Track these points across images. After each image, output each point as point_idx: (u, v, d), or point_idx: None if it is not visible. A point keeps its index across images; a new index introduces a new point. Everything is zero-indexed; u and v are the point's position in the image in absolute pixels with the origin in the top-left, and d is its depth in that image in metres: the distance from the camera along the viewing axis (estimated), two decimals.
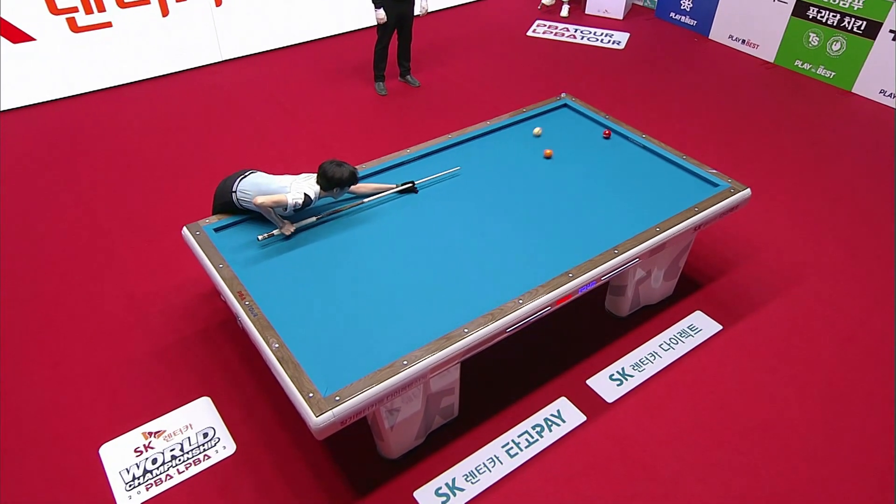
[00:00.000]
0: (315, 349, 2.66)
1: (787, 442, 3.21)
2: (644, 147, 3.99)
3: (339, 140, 5.50)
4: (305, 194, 3.21)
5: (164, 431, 3.21)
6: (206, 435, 3.19)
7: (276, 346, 2.62)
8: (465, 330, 2.72)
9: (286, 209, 3.22)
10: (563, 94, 4.53)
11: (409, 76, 6.32)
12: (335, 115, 5.85)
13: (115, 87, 6.23)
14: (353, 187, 3.46)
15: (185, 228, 3.26)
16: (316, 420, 2.38)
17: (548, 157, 3.83)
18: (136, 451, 3.13)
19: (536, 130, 3.83)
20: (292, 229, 3.28)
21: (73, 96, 6.05)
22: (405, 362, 2.57)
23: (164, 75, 6.43)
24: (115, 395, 3.38)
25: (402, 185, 3.56)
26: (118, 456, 3.10)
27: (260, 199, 3.18)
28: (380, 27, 5.80)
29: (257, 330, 2.70)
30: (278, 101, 6.05)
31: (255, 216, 3.38)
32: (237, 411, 3.29)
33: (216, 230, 3.27)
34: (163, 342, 3.66)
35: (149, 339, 3.68)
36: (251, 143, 5.44)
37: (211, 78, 6.39)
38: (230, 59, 6.74)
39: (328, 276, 3.04)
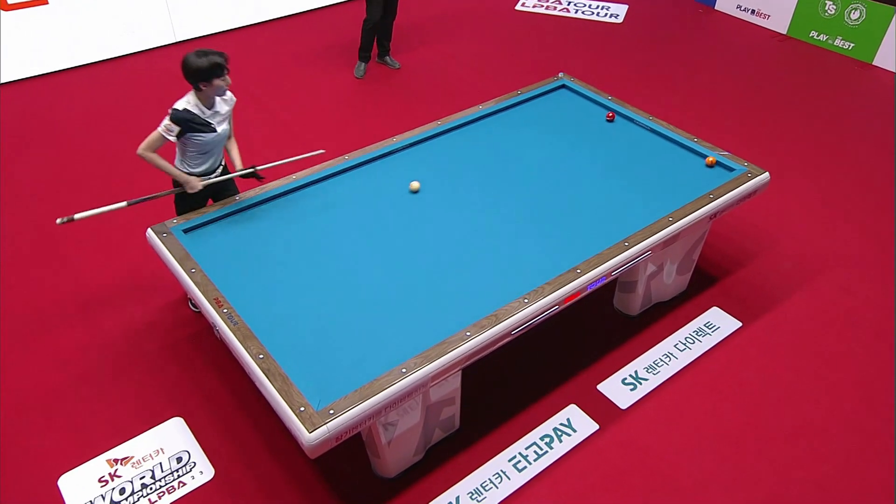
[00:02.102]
0: (304, 359, 2.73)
1: (816, 446, 3.35)
2: (651, 130, 4.11)
3: (310, 128, 5.55)
4: (173, 110, 3.23)
5: (132, 457, 3.24)
6: (179, 459, 3.23)
7: (261, 356, 2.68)
8: (467, 333, 2.80)
9: (169, 141, 3.26)
10: (560, 74, 4.64)
11: (388, 57, 6.39)
12: (305, 101, 5.90)
13: (53, 72, 6.21)
14: (224, 139, 3.47)
15: (149, 230, 3.30)
16: (309, 436, 2.44)
17: (710, 165, 3.79)
18: (100, 480, 3.16)
19: (414, 185, 3.43)
20: (199, 186, 3.36)
21: (4, 84, 6.02)
22: (403, 370, 2.64)
23: (109, 59, 6.42)
24: (73, 419, 3.41)
25: (245, 170, 3.55)
26: (80, 487, 3.13)
27: (139, 151, 3.27)
28: (368, 2, 5.85)
29: (238, 340, 2.75)
30: (241, 87, 6.08)
31: (231, 214, 3.43)
32: (214, 432, 3.34)
33: (185, 231, 3.32)
34: (125, 358, 3.69)
35: (109, 356, 3.71)
36: None
37: (164, 62, 6.40)
38: (185, 41, 6.74)
39: (314, 278, 3.11)
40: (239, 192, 3.62)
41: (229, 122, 3.51)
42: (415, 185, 3.31)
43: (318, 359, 2.74)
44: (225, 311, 2.87)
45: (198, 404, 3.46)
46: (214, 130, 3.37)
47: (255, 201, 3.50)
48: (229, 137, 3.56)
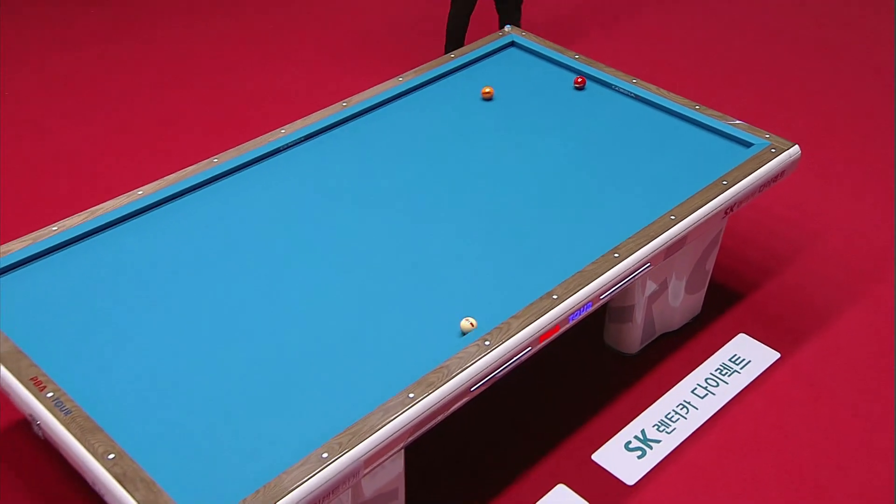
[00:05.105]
0: (177, 453, 2.68)
1: None
2: (637, 97, 4.24)
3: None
4: None
5: None
6: None
7: (111, 456, 2.62)
8: (410, 395, 2.81)
9: None
10: (506, 27, 4.76)
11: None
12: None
13: None
14: None
15: None
16: None
17: (488, 97, 4.08)
18: None
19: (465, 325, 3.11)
20: None
21: None
22: (324, 455, 2.63)
23: None
24: None
25: None
26: None
27: None
28: None
29: (75, 436, 2.68)
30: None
31: (51, 251, 3.37)
32: None
33: None
34: None
35: None
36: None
37: None
38: None
39: (185, 332, 3.08)
40: None
41: None
42: (466, 324, 3.09)
43: (198, 450, 2.69)
44: (50, 395, 2.80)
45: None
46: None
47: (85, 230, 3.44)
48: None
